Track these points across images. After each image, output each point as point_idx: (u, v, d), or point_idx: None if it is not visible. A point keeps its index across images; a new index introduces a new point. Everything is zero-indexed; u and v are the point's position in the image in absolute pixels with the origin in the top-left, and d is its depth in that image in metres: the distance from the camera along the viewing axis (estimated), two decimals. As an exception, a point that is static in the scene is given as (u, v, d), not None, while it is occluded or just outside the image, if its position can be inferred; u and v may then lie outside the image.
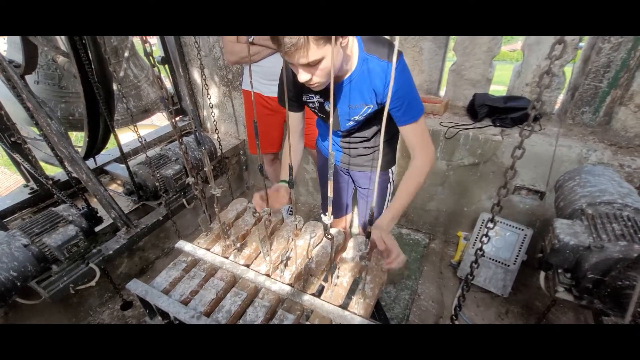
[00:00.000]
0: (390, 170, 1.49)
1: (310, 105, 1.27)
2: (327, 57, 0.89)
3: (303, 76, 0.96)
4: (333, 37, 0.66)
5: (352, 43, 1.03)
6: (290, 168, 0.87)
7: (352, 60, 1.06)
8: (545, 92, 2.05)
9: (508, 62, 17.35)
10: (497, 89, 2.67)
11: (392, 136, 1.37)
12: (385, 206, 1.57)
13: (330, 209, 0.80)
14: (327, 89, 1.12)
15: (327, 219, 0.81)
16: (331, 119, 0.67)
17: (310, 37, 0.83)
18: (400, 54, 1.03)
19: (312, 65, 0.91)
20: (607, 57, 1.76)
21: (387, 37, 1.11)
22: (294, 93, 1.22)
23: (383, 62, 1.04)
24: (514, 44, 21.25)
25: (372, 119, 1.25)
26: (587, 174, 1.45)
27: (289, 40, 0.82)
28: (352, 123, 1.25)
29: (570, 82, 2.02)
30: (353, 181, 1.63)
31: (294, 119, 1.29)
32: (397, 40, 0.57)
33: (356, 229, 2.41)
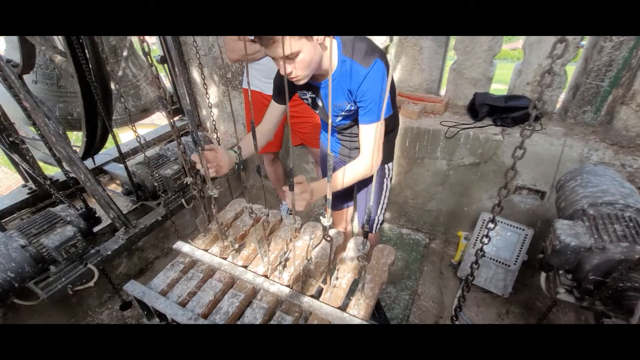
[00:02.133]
0: (386, 166, 1.49)
1: (305, 100, 1.35)
2: (303, 50, 0.98)
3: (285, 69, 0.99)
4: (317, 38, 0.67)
5: (330, 43, 1.08)
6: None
7: (333, 61, 1.11)
8: (547, 91, 2.03)
9: (509, 60, 17.32)
10: (498, 88, 2.65)
11: (388, 132, 1.38)
12: (381, 203, 1.57)
13: (329, 210, 0.79)
14: (315, 86, 1.22)
15: (327, 220, 0.80)
16: (329, 121, 0.66)
17: None
18: (380, 60, 1.07)
19: (291, 58, 0.99)
20: (609, 56, 1.75)
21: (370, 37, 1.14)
22: (288, 88, 1.25)
23: (360, 66, 1.09)
24: (515, 43, 21.19)
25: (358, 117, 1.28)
26: (588, 174, 1.44)
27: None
28: (340, 119, 1.31)
29: (572, 81, 2.01)
30: None
31: (276, 109, 1.34)
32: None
33: (356, 228, 2.40)
